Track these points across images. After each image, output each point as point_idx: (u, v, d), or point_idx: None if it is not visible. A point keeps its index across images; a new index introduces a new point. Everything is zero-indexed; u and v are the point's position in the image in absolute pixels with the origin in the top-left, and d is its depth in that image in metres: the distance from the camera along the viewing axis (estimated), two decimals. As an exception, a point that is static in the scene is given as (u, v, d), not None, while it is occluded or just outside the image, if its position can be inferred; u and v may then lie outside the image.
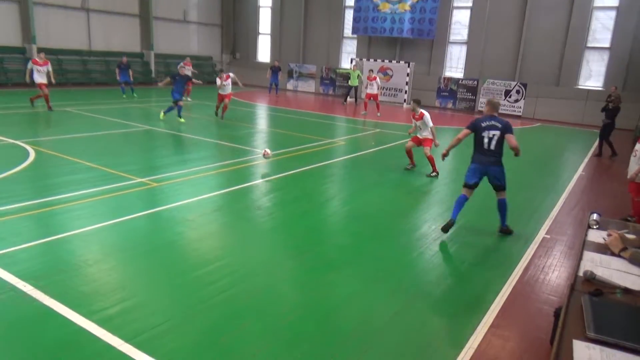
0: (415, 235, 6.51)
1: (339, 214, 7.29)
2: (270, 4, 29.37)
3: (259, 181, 8.63)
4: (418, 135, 9.73)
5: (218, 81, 14.85)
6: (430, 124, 9.40)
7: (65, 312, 3.92)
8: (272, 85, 24.37)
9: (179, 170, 8.74)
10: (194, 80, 16.20)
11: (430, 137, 9.48)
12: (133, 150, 10.66)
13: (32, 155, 9.10)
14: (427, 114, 9.41)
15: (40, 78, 14.51)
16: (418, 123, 9.60)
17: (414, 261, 5.58)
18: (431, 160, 9.42)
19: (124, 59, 19.56)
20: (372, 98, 18.86)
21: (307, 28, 28.18)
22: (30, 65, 14.62)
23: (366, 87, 19.28)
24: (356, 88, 22.19)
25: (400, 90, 23.92)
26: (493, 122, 6.09)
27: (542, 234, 6.64)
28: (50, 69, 14.88)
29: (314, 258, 5.49)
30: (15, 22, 21.24)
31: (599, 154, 13.11)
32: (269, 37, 30.01)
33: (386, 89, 24.32)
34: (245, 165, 9.75)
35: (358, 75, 21.90)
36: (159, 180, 8.01)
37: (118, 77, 19.61)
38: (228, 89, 14.88)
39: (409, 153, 9.76)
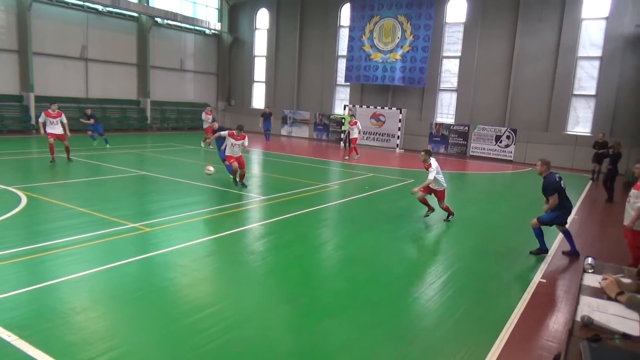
0: (411, 279, 6.44)
1: (333, 258, 7.22)
2: (265, 53, 30.27)
3: (252, 225, 8.58)
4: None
5: (229, 139, 11.59)
6: (430, 176, 9.23)
7: (50, 362, 3.79)
8: (266, 131, 24.49)
9: (172, 215, 8.69)
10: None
11: (440, 189, 9.43)
12: (126, 196, 10.62)
13: (24, 201, 9.03)
14: (433, 166, 9.29)
15: (52, 129, 13.68)
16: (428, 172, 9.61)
17: (410, 306, 5.49)
18: (447, 210, 9.53)
19: (88, 111, 18.44)
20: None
21: (301, 76, 28.92)
22: (42, 118, 13.68)
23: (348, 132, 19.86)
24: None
25: (393, 136, 24.30)
26: (559, 175, 7.75)
27: (537, 278, 6.59)
28: (64, 120, 13.96)
29: (309, 303, 5.39)
30: (14, 71, 21.64)
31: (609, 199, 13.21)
32: (263, 84, 30.73)
33: (379, 135, 24.74)
34: (239, 209, 9.72)
35: None
36: (152, 225, 7.94)
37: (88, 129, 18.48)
38: (237, 150, 11.64)
39: (422, 201, 9.53)
